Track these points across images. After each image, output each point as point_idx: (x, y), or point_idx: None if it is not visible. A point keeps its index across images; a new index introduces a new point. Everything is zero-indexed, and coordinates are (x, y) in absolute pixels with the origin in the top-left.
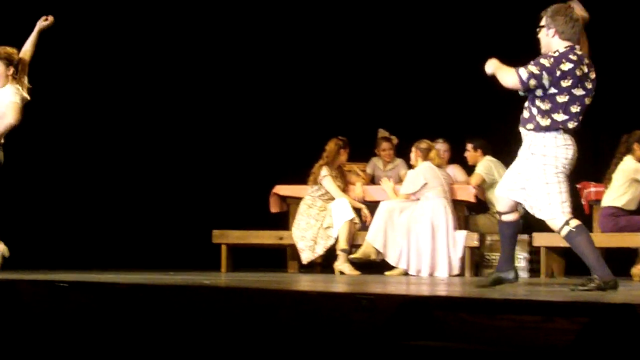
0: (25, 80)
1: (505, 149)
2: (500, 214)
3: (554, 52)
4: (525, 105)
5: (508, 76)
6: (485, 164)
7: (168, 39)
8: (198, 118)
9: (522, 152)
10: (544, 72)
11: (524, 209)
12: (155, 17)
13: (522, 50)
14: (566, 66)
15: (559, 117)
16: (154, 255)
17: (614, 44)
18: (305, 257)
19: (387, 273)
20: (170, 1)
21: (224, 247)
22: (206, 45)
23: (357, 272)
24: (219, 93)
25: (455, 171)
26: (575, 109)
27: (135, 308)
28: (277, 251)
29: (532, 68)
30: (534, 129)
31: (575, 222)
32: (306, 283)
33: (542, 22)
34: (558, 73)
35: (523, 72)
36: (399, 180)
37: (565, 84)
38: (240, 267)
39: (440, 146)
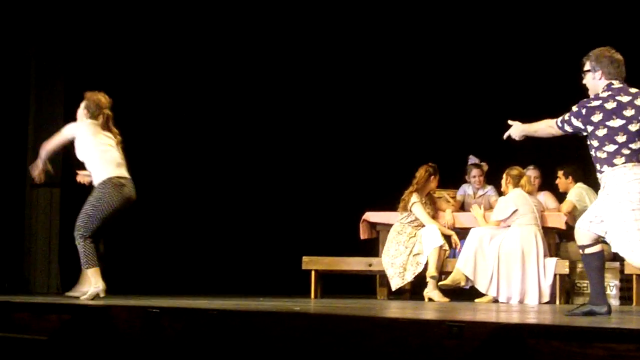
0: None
1: (596, 175)
2: (584, 247)
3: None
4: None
5: (548, 129)
6: (577, 191)
7: (254, 67)
8: (291, 146)
9: (600, 192)
10: (572, 117)
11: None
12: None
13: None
14: (595, 102)
15: (610, 148)
16: (245, 281)
17: None
18: (395, 283)
19: (477, 300)
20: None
21: (313, 273)
22: (298, 71)
23: (446, 299)
24: (311, 121)
25: (546, 198)
26: (621, 138)
27: (226, 334)
28: (366, 278)
29: (565, 115)
30: (600, 166)
31: None
32: (395, 310)
33: (587, 67)
34: (584, 111)
35: (559, 118)
36: (489, 207)
37: (596, 118)
38: (330, 293)
39: (531, 173)
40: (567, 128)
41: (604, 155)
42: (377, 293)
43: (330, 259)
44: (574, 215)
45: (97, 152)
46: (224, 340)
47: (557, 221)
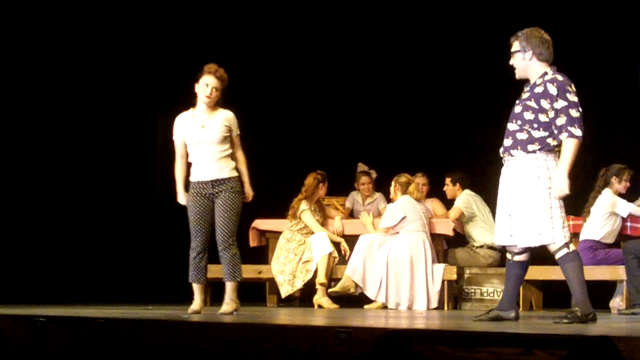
0: None
1: (484, 183)
2: (513, 254)
3: (556, 76)
4: (518, 128)
5: (574, 148)
6: (464, 198)
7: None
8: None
9: (518, 177)
10: (580, 108)
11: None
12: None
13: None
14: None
15: (550, 139)
16: (135, 290)
17: (592, 79)
18: (284, 291)
19: (366, 306)
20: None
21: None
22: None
23: (335, 306)
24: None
25: (434, 205)
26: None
27: (114, 343)
28: (256, 285)
29: (575, 114)
30: (540, 150)
31: (572, 247)
32: (285, 317)
33: (515, 47)
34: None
35: (575, 130)
36: (378, 214)
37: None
38: (220, 301)
39: (419, 180)
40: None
41: (554, 143)
42: (266, 300)
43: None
44: (461, 221)
45: None
46: (111, 349)
47: (445, 228)
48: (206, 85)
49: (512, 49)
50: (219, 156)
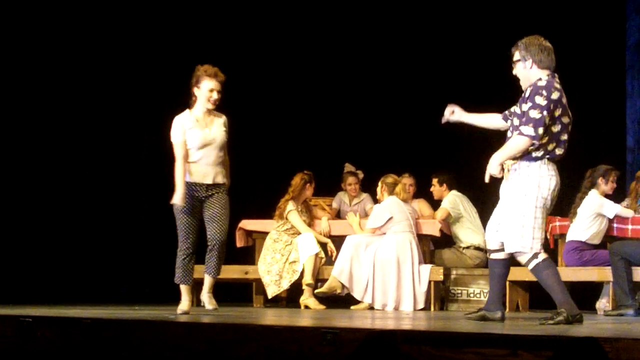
0: None
1: (471, 183)
2: (490, 251)
3: (540, 82)
4: (510, 135)
5: (519, 145)
6: (451, 199)
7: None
8: (163, 150)
9: (507, 184)
10: (544, 112)
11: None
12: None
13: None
14: (555, 95)
15: (550, 147)
16: (120, 290)
17: (579, 80)
18: (271, 291)
19: (352, 307)
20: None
21: None
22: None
23: (322, 307)
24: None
25: (421, 205)
26: (563, 136)
27: (100, 343)
28: (242, 286)
29: (534, 115)
30: (520, 159)
31: (543, 256)
32: (271, 317)
33: (516, 57)
34: (551, 106)
35: (527, 129)
36: (365, 215)
37: (557, 113)
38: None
39: (406, 180)
40: (540, 130)
41: (539, 153)
42: (253, 301)
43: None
44: (447, 222)
45: None
46: (98, 350)
47: (432, 228)
48: (210, 90)
49: (514, 59)
50: (219, 161)
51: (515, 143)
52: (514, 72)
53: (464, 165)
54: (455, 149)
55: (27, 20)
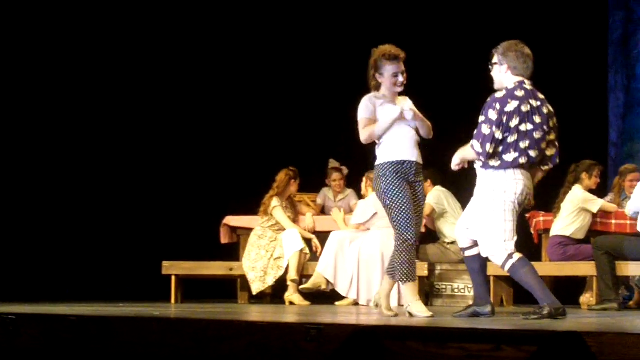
0: None
1: (455, 179)
2: (463, 250)
3: (499, 93)
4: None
5: (470, 154)
6: (435, 194)
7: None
8: (150, 149)
9: (476, 189)
10: (493, 127)
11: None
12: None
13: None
14: (511, 106)
15: (509, 157)
16: (104, 287)
17: (561, 75)
18: (256, 287)
19: (337, 303)
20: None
21: (174, 279)
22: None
23: (307, 303)
24: (169, 123)
25: None
26: (524, 144)
27: (86, 340)
28: (227, 282)
29: (485, 130)
30: (483, 167)
31: (517, 256)
32: (256, 313)
33: (494, 60)
34: (504, 118)
35: (476, 144)
36: (350, 211)
37: (512, 123)
38: (191, 298)
39: None
40: (488, 146)
41: (496, 163)
42: (238, 297)
43: (191, 264)
44: (432, 217)
45: None
46: (83, 347)
47: None
48: (394, 75)
49: (492, 61)
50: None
51: (468, 151)
52: (492, 73)
53: (448, 161)
54: (439, 145)
55: (37, 20)
